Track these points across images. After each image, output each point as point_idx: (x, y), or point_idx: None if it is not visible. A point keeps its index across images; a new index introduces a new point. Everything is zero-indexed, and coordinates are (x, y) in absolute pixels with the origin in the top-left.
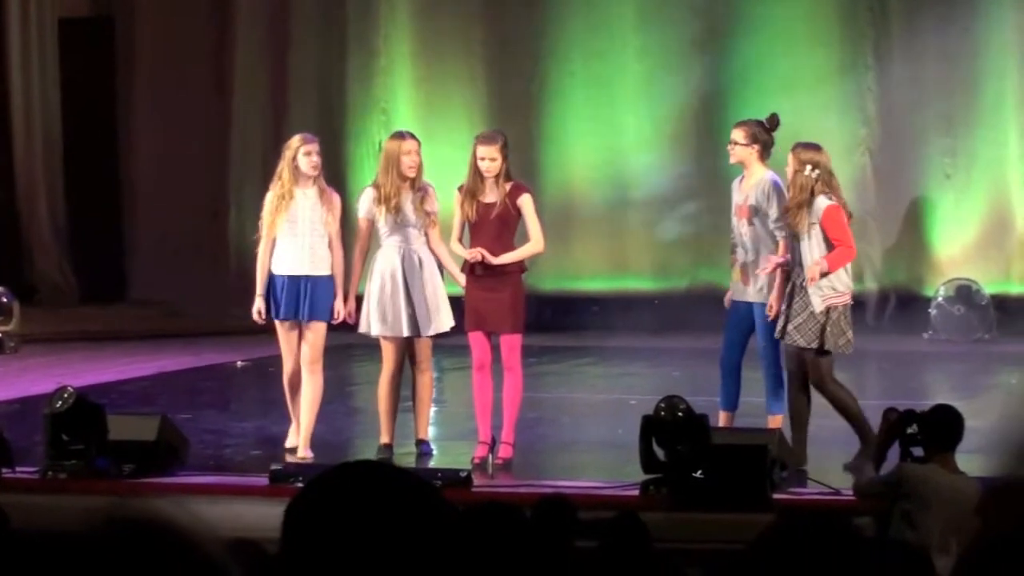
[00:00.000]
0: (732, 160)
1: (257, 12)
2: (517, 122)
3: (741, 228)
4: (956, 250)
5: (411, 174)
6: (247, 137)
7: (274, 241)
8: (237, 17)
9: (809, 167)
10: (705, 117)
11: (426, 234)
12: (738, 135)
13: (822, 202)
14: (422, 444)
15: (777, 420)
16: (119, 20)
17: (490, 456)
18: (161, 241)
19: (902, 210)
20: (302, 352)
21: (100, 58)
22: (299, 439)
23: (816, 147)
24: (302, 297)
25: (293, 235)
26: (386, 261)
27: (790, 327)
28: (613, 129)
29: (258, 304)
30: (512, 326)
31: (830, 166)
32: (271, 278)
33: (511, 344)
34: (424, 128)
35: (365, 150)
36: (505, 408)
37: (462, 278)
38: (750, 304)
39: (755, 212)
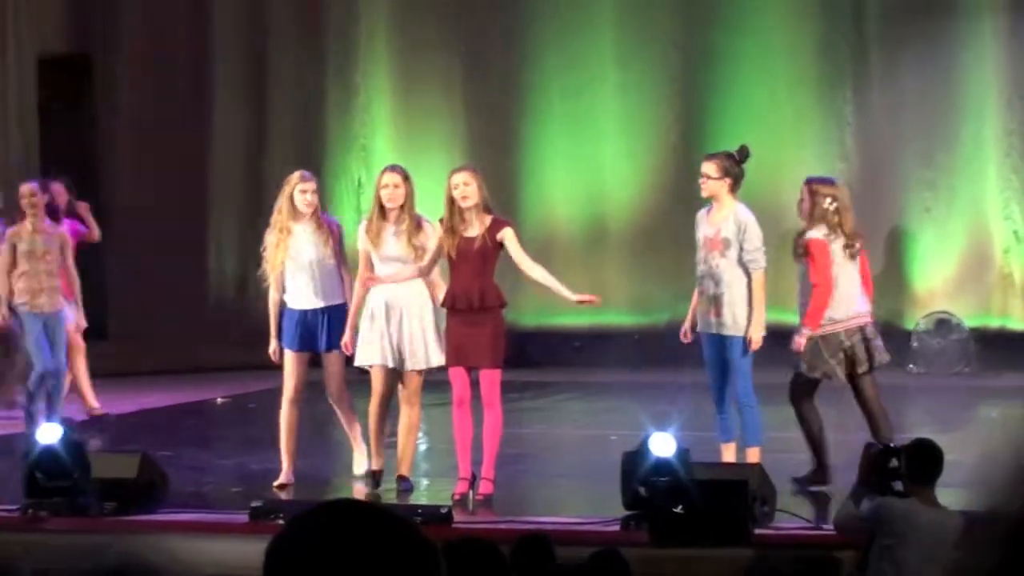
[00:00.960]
0: (704, 194)
1: (235, 48)
2: (496, 158)
3: (712, 260)
4: (936, 283)
5: (390, 206)
6: (226, 174)
7: (282, 279)
8: (215, 54)
9: (828, 199)
10: (684, 152)
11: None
12: (710, 168)
13: (811, 234)
14: (401, 481)
15: (755, 453)
16: (97, 57)
17: (470, 492)
18: (141, 278)
19: (881, 243)
20: (328, 384)
21: (79, 96)
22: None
23: (831, 182)
24: (319, 329)
25: (299, 270)
26: (376, 293)
27: None
28: (592, 165)
29: (272, 345)
30: (492, 361)
31: (847, 201)
32: (286, 313)
33: (491, 379)
34: (403, 162)
35: (344, 186)
36: (485, 444)
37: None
38: (722, 337)
39: (728, 245)
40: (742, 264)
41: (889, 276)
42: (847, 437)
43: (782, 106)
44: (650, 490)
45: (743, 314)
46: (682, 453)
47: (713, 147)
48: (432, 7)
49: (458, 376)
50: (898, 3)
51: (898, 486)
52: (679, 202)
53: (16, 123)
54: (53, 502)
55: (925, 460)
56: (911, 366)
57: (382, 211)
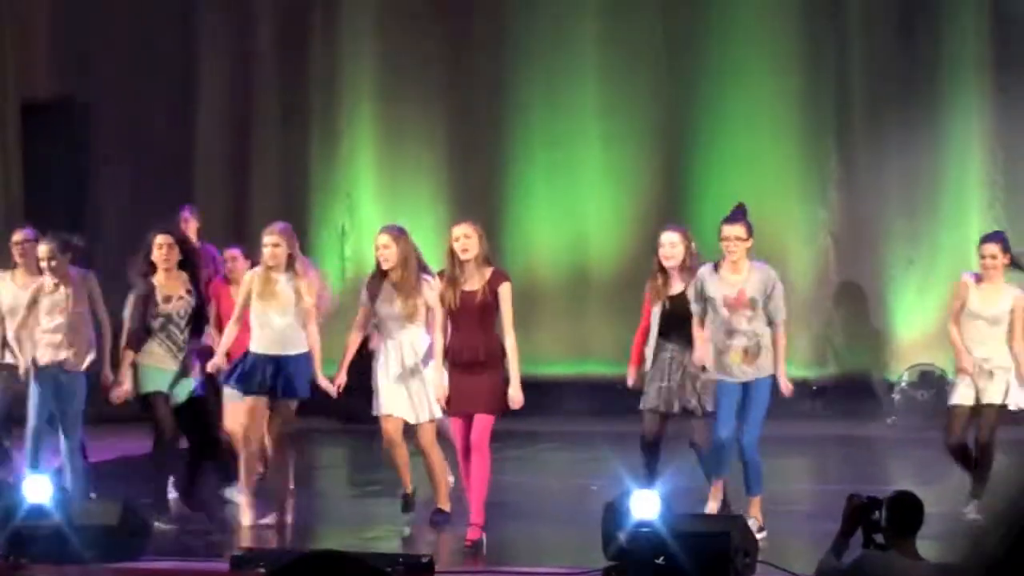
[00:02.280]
0: (734, 257)
1: (219, 96)
2: (480, 207)
3: (740, 318)
4: (919, 335)
5: (385, 266)
6: (210, 221)
7: (246, 320)
8: (199, 101)
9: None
10: (666, 202)
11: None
12: (739, 231)
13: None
14: (437, 513)
15: (758, 502)
16: (79, 102)
17: (483, 538)
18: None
19: (864, 294)
20: (272, 427)
21: (63, 140)
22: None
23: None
24: (277, 375)
25: (265, 316)
26: (379, 349)
27: None
28: (575, 214)
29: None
30: (488, 407)
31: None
32: (246, 353)
33: (483, 424)
34: (388, 212)
35: (328, 234)
36: (473, 489)
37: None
38: (755, 381)
39: (755, 304)
40: (767, 315)
41: (872, 327)
42: (827, 487)
43: (765, 157)
44: (631, 542)
45: (771, 361)
46: (665, 510)
47: (694, 196)
48: (417, 57)
49: (459, 428)
50: (881, 56)
51: (880, 538)
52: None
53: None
54: (35, 550)
55: (905, 512)
56: (892, 418)
57: (380, 270)
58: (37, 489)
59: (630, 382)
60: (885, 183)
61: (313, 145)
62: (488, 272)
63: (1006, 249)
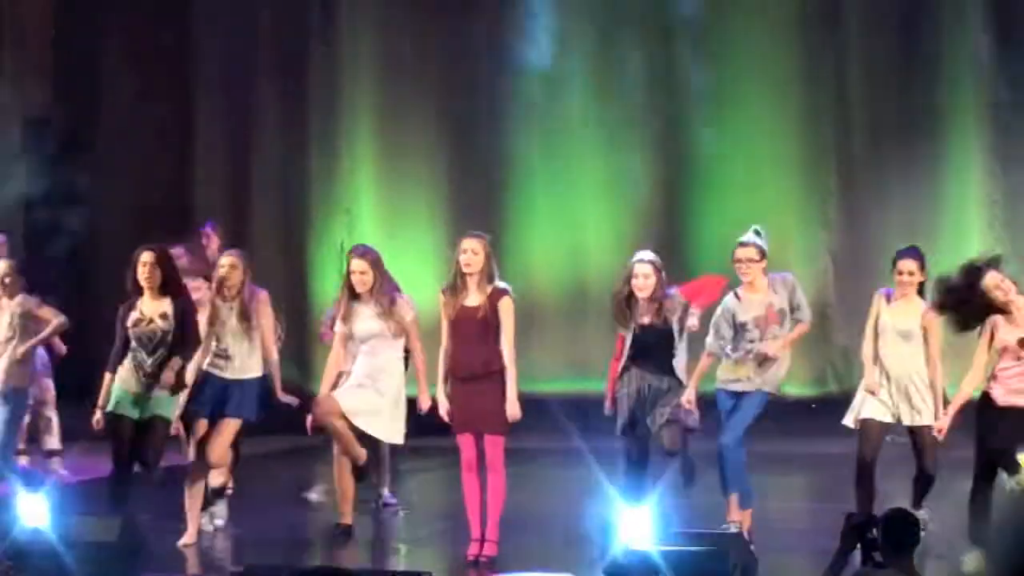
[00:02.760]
0: (748, 279)
1: (218, 114)
2: (477, 223)
3: (770, 333)
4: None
5: (360, 289)
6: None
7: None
8: (199, 118)
9: None
10: (666, 217)
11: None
12: (752, 253)
13: None
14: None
15: (735, 501)
16: (81, 123)
17: (481, 553)
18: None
19: (863, 314)
20: (210, 448)
21: (63, 159)
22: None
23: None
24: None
25: (216, 341)
26: (355, 368)
27: None
28: (573, 230)
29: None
30: (497, 427)
31: None
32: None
33: (495, 444)
34: (387, 228)
35: (327, 251)
36: (489, 507)
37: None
38: (752, 393)
39: (784, 314)
40: (795, 320)
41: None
42: (825, 505)
43: (765, 176)
44: (628, 560)
45: (774, 377)
46: (663, 521)
47: (694, 213)
48: (415, 74)
49: (466, 442)
50: (881, 76)
51: (878, 556)
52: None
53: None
54: (35, 565)
55: (901, 530)
56: (891, 438)
57: (353, 292)
58: (31, 509)
59: (608, 410)
60: (885, 203)
61: (313, 162)
62: (490, 289)
63: (923, 266)
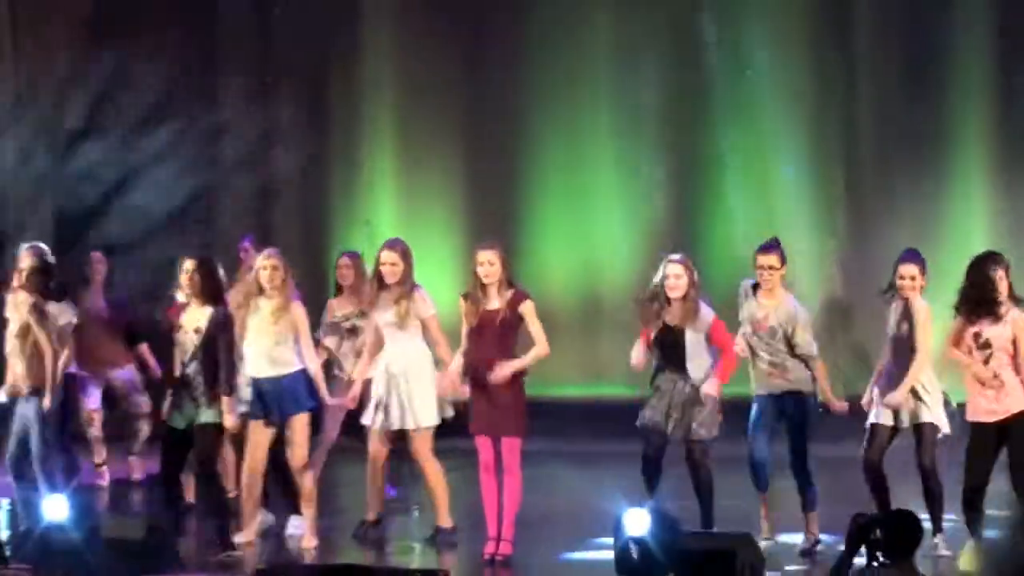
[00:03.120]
0: (768, 286)
1: (243, 127)
2: (495, 233)
3: (764, 337)
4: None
5: (390, 280)
6: (232, 250)
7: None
8: (224, 130)
9: None
10: (676, 229)
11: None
12: (773, 260)
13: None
14: (439, 532)
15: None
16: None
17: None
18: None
19: (871, 320)
20: (290, 452)
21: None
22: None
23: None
24: (269, 397)
25: (254, 340)
26: (380, 360)
27: None
28: (587, 242)
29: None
30: (514, 430)
31: None
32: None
33: (512, 447)
34: (406, 238)
35: None
36: (506, 508)
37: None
38: (788, 395)
39: (774, 333)
40: (797, 350)
41: (879, 352)
42: (834, 507)
43: (774, 186)
44: (643, 557)
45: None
46: (673, 521)
47: (703, 225)
48: (433, 88)
49: (483, 444)
50: (888, 89)
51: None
52: None
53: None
54: (64, 562)
55: (902, 531)
56: (898, 439)
57: (381, 282)
58: (55, 508)
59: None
60: (891, 213)
61: (334, 175)
62: (509, 293)
63: (924, 270)
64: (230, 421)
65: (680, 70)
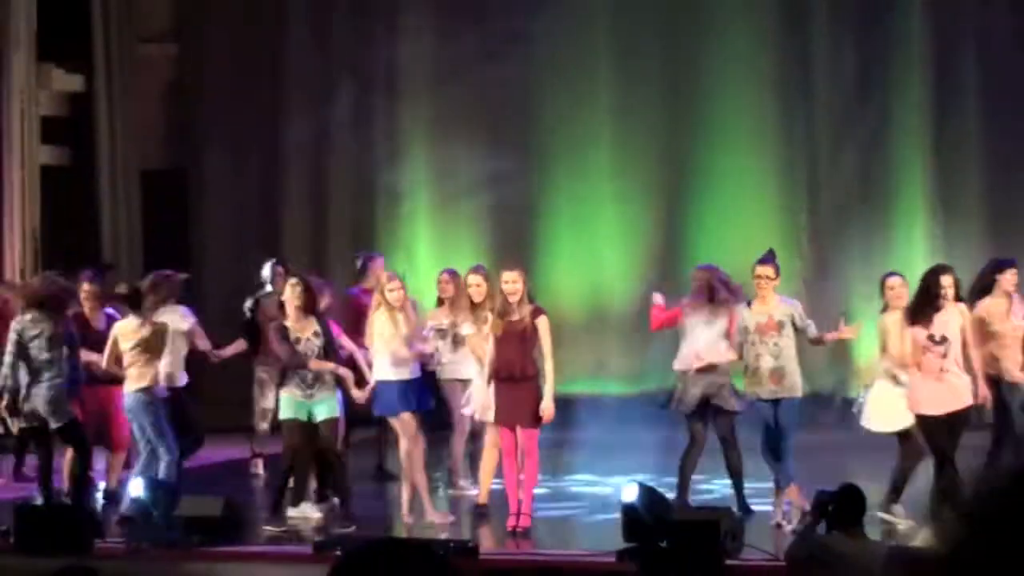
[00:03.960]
0: (763, 293)
1: (301, 167)
2: (513, 254)
3: (770, 341)
4: (873, 359)
5: (477, 299)
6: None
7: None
8: (285, 172)
9: None
10: (670, 252)
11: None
12: (769, 271)
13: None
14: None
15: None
16: (191, 172)
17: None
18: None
19: (830, 327)
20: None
21: (175, 204)
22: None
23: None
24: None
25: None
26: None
27: None
28: (594, 262)
29: None
30: (532, 421)
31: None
32: None
33: (530, 435)
34: (440, 261)
35: None
36: (525, 487)
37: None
38: (784, 400)
39: (783, 326)
40: (796, 337)
41: (836, 353)
42: (800, 484)
43: (749, 212)
44: (641, 529)
45: (799, 380)
46: (663, 497)
47: (694, 248)
48: (462, 132)
49: (505, 433)
50: (843, 131)
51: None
52: (667, 292)
53: (125, 227)
54: (151, 535)
55: (851, 502)
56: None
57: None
58: (138, 487)
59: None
60: (847, 235)
61: (379, 207)
62: (530, 308)
63: (904, 282)
64: (360, 396)
65: (670, 116)
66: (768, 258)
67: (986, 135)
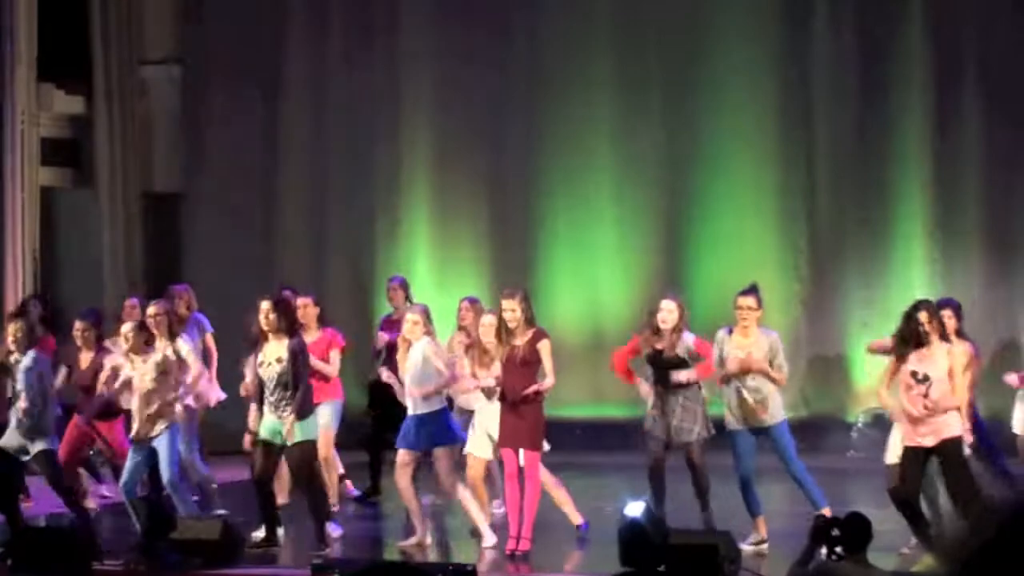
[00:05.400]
0: (746, 324)
1: (300, 189)
2: (512, 277)
3: (747, 378)
4: (873, 384)
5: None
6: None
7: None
8: (284, 195)
9: None
10: (667, 274)
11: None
12: (751, 302)
13: None
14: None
15: (827, 511)
16: (191, 195)
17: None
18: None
19: (829, 351)
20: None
21: (175, 227)
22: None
23: None
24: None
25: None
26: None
27: None
28: (593, 287)
29: None
30: (533, 444)
31: None
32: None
33: (531, 459)
34: (438, 283)
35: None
36: (526, 510)
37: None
38: (768, 427)
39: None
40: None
41: (835, 378)
42: (798, 509)
43: (747, 236)
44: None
45: (780, 406)
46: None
47: (691, 271)
48: (461, 156)
49: (508, 455)
50: (842, 157)
51: (838, 551)
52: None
53: (123, 245)
54: (149, 558)
55: (857, 530)
56: (851, 452)
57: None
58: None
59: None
60: (846, 259)
61: (377, 228)
62: (531, 332)
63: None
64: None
65: (668, 141)
66: (750, 290)
67: (986, 161)
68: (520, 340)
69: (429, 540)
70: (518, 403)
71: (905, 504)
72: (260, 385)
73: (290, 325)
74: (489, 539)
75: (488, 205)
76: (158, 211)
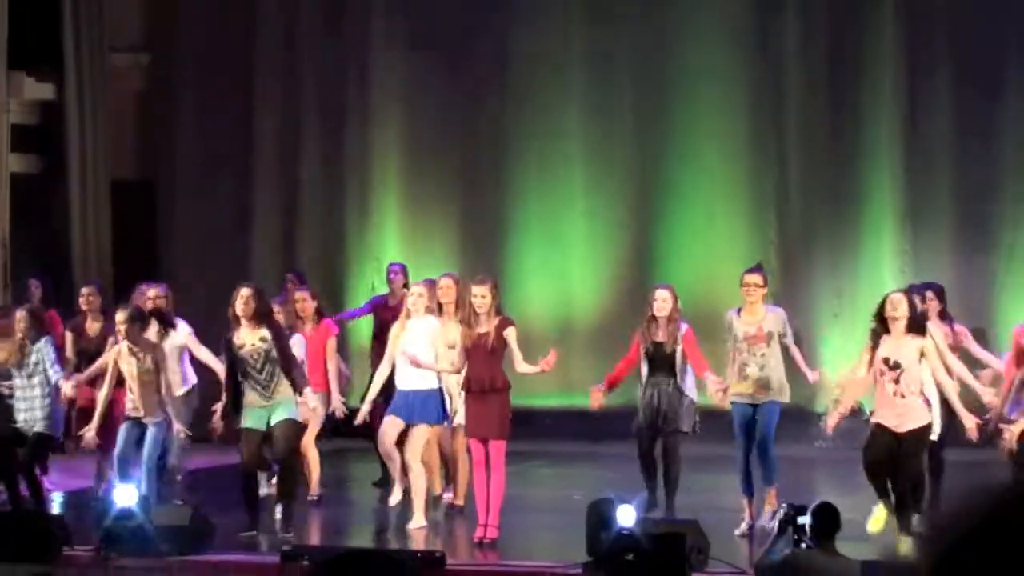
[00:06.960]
0: (752, 300)
1: (272, 179)
2: (483, 268)
3: (758, 351)
4: (841, 375)
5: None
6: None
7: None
8: (256, 184)
9: None
10: (638, 264)
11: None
12: (758, 280)
13: None
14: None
15: (774, 492)
16: (162, 182)
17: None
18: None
19: (799, 342)
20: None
21: (145, 215)
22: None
23: None
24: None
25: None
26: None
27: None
28: (563, 276)
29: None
30: (500, 434)
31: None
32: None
33: (498, 448)
34: (410, 274)
35: (361, 291)
36: (492, 499)
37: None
38: (766, 404)
39: (771, 337)
40: (782, 347)
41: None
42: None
43: (718, 228)
44: (612, 543)
45: (786, 386)
46: (630, 510)
47: (662, 263)
48: (433, 146)
49: (476, 444)
50: (814, 148)
51: (807, 539)
52: (632, 307)
53: (93, 235)
54: (121, 545)
55: (826, 519)
56: (819, 442)
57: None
58: (125, 495)
59: (594, 404)
60: (816, 250)
61: (349, 218)
62: (497, 319)
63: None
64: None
65: (639, 134)
66: (756, 268)
67: (956, 152)
68: (487, 327)
69: (400, 496)
70: (486, 392)
71: (876, 476)
72: (234, 372)
73: (266, 313)
74: (418, 520)
75: (459, 197)
76: (129, 198)
